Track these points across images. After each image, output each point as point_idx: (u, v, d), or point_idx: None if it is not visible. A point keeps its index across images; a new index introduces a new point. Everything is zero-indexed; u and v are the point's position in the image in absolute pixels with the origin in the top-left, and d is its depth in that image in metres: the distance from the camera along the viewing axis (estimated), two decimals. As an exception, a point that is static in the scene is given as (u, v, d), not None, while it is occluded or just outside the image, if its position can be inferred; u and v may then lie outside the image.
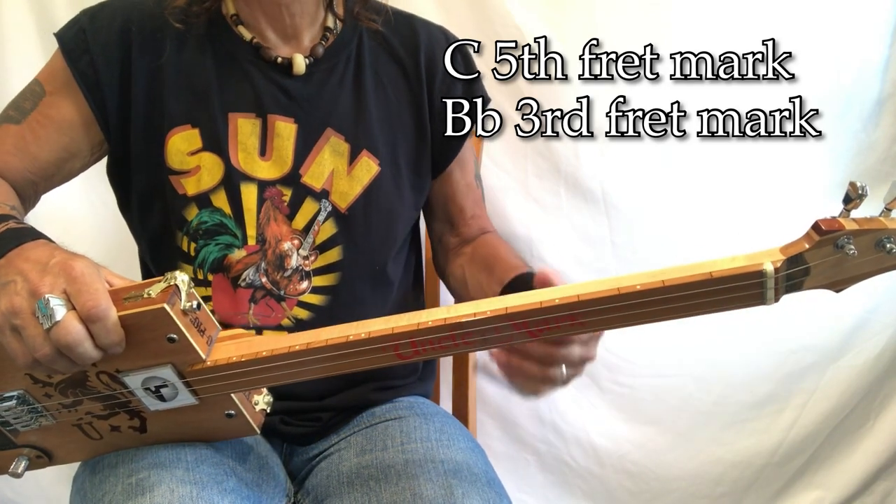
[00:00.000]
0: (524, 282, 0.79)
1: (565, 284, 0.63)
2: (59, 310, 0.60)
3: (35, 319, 0.61)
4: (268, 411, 0.77)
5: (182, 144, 0.88)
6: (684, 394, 1.44)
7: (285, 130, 0.90)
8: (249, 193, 0.89)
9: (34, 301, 0.61)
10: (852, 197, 0.56)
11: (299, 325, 0.91)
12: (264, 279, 0.91)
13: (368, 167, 0.93)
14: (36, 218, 0.93)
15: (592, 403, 1.46)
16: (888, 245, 0.56)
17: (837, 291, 0.61)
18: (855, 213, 0.58)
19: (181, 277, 0.65)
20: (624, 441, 1.47)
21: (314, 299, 0.93)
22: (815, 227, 0.57)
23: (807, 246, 0.57)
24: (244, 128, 0.90)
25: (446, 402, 1.24)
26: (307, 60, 0.91)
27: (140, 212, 0.93)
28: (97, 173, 0.98)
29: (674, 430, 1.46)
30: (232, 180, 0.89)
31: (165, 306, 0.62)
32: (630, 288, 0.59)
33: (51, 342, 0.61)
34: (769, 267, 0.57)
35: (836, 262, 0.58)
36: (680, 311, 0.60)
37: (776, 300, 0.59)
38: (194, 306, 0.65)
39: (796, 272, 0.58)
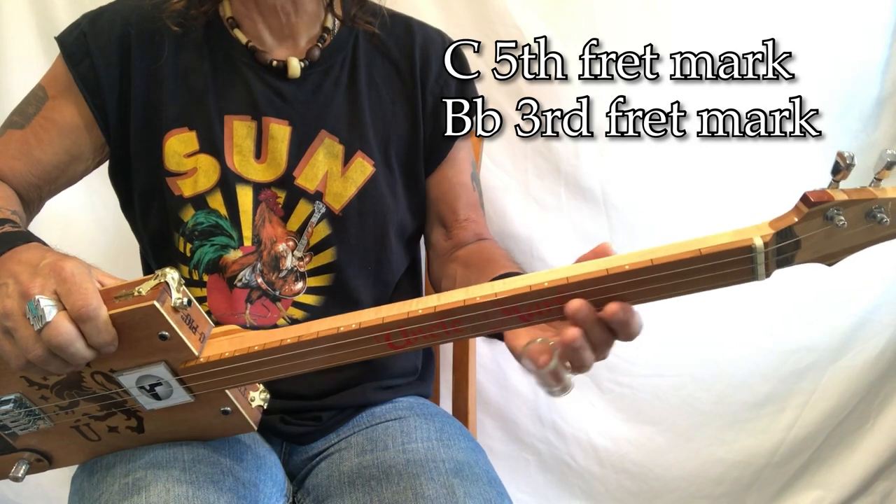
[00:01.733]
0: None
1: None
2: (50, 310, 0.61)
3: (26, 321, 0.61)
4: (264, 407, 0.77)
5: (179, 146, 0.89)
6: (684, 394, 1.44)
7: (279, 133, 0.90)
8: (245, 195, 0.90)
9: (25, 302, 0.62)
10: (841, 167, 0.55)
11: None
12: (260, 280, 0.91)
13: (363, 168, 0.93)
14: (37, 219, 0.94)
15: (592, 403, 1.46)
16: (879, 215, 0.55)
17: (830, 265, 0.59)
18: (844, 184, 0.56)
19: (171, 275, 0.65)
20: (624, 441, 1.47)
21: (309, 300, 0.93)
22: (804, 198, 0.56)
23: (796, 219, 0.56)
24: (239, 130, 0.90)
25: (446, 402, 1.24)
26: (302, 64, 0.91)
27: (141, 212, 0.94)
28: (98, 174, 0.99)
29: (674, 430, 1.46)
30: (227, 182, 0.89)
31: (155, 303, 0.62)
32: (619, 268, 0.58)
33: (43, 343, 0.61)
34: (758, 242, 0.55)
35: (826, 234, 0.56)
36: (671, 289, 0.59)
37: (768, 275, 0.57)
38: (185, 303, 0.65)
39: (786, 246, 0.57)
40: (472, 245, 0.98)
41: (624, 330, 0.61)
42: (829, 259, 0.59)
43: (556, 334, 0.66)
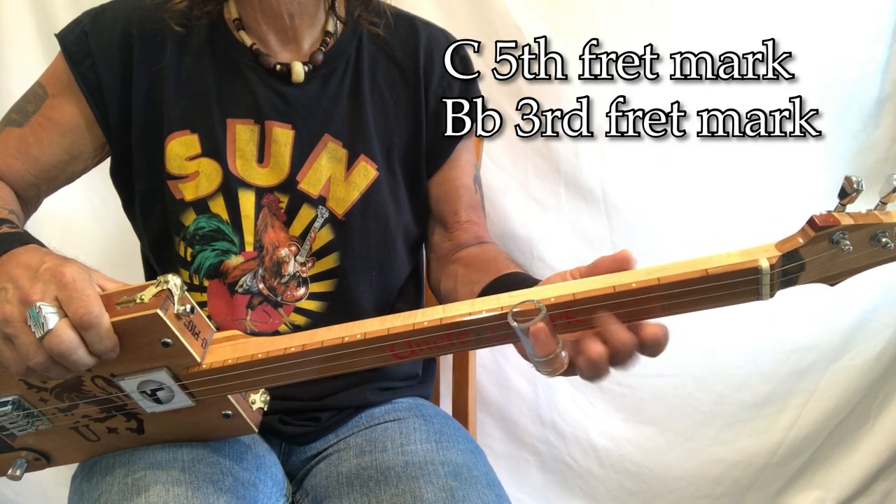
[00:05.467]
0: (515, 281, 0.78)
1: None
2: (52, 318, 0.60)
3: (27, 328, 0.61)
4: (265, 409, 0.77)
5: (180, 149, 0.88)
6: (684, 394, 1.44)
7: (283, 137, 0.90)
8: (247, 200, 0.89)
9: (25, 309, 0.61)
10: (848, 191, 0.55)
11: (296, 332, 0.90)
12: (261, 285, 0.90)
13: (366, 172, 0.92)
14: (37, 218, 0.94)
15: (592, 403, 1.46)
16: (883, 239, 0.56)
17: (832, 285, 0.60)
18: (850, 208, 0.57)
19: (174, 281, 0.64)
20: (624, 441, 1.47)
21: (312, 305, 0.93)
22: (811, 222, 0.56)
23: (802, 241, 0.56)
24: (242, 134, 0.89)
25: (446, 403, 1.24)
26: (306, 68, 0.91)
27: (142, 214, 0.93)
28: (98, 174, 0.98)
29: (674, 430, 1.46)
30: (230, 187, 0.89)
31: (158, 312, 0.62)
32: (626, 286, 0.58)
33: (44, 350, 0.61)
34: (765, 263, 0.56)
35: (830, 256, 0.57)
36: (676, 307, 0.59)
37: (772, 295, 0.58)
38: (188, 310, 0.65)
39: (792, 268, 0.57)
40: (474, 247, 0.97)
41: (656, 351, 0.59)
42: (832, 280, 0.59)
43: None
